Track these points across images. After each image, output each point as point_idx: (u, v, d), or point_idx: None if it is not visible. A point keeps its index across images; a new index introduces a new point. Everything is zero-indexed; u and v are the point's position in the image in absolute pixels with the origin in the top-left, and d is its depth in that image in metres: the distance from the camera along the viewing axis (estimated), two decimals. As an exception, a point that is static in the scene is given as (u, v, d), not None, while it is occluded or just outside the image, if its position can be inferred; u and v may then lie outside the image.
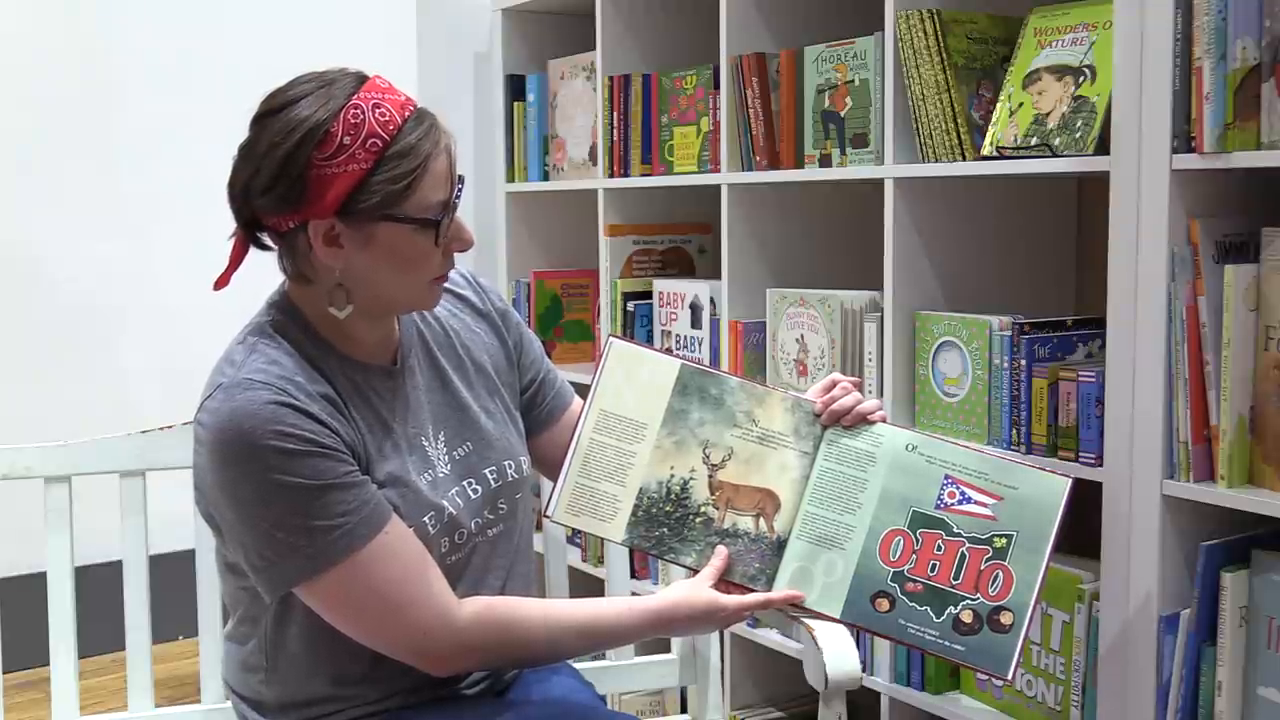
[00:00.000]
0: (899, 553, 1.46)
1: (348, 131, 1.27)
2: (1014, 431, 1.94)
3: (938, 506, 1.47)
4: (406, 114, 1.30)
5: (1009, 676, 1.44)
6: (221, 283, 1.38)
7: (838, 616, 1.46)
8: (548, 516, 1.52)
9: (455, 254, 1.40)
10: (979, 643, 1.43)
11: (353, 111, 1.27)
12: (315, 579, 1.30)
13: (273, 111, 1.30)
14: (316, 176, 1.27)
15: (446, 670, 1.39)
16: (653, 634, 1.44)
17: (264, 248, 1.37)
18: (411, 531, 1.35)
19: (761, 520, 1.49)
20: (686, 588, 1.44)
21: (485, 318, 1.56)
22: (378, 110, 1.28)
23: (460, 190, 1.36)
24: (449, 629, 1.34)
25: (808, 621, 1.47)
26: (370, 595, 1.31)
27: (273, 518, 1.28)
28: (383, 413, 1.39)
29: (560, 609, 1.43)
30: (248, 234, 1.35)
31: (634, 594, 1.60)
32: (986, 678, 2.04)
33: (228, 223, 1.38)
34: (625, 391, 1.51)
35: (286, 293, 1.40)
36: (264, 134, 1.29)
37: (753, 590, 1.47)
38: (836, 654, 1.45)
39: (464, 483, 1.43)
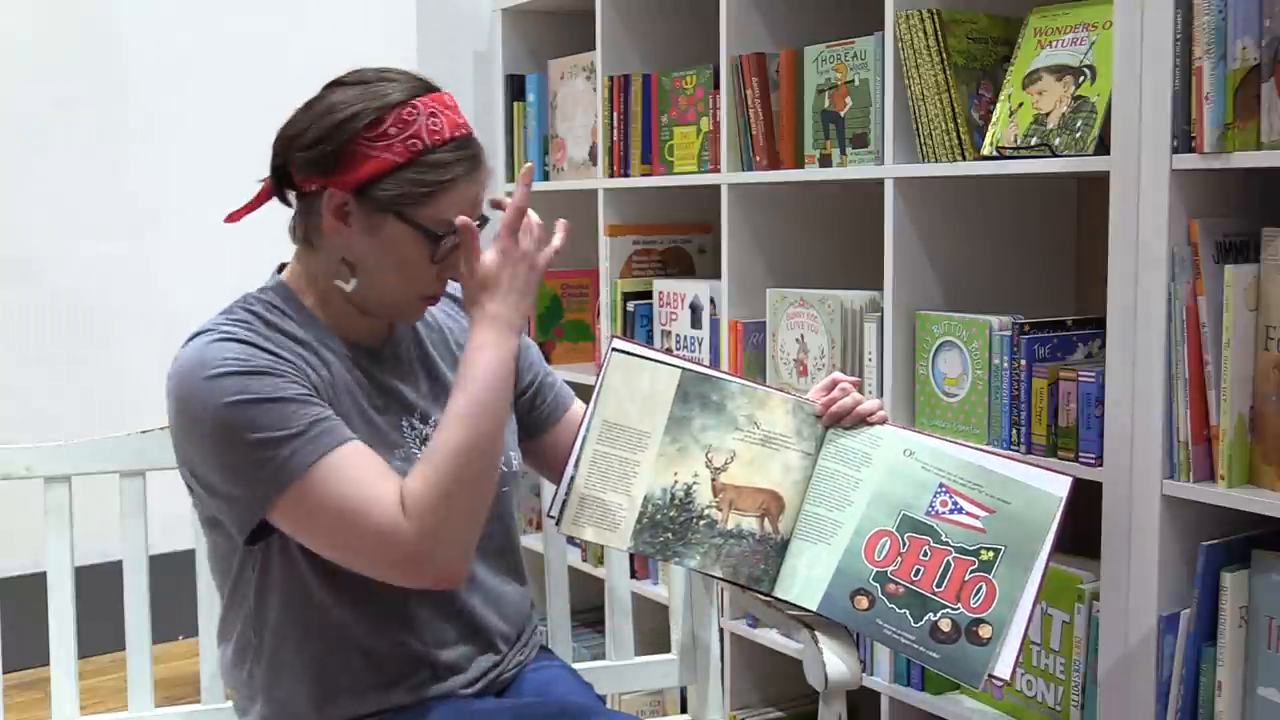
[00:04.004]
0: (884, 553, 1.46)
1: (397, 123, 1.34)
2: (1014, 431, 1.94)
3: (929, 513, 1.47)
4: (456, 134, 1.37)
5: (979, 686, 1.45)
6: (234, 217, 1.45)
7: (814, 609, 1.46)
8: (554, 525, 1.52)
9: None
10: (954, 652, 1.44)
11: (409, 109, 1.35)
12: (285, 493, 1.31)
13: (346, 83, 1.38)
14: (353, 151, 1.34)
15: (422, 563, 1.33)
16: (511, 355, 1.38)
17: (285, 202, 1.43)
18: (375, 453, 1.35)
19: (766, 521, 1.49)
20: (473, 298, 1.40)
21: None
22: (432, 119, 1.36)
23: (482, 225, 1.41)
24: (396, 517, 1.31)
25: (795, 615, 1.48)
26: (333, 500, 1.31)
27: (236, 438, 1.30)
28: (363, 382, 1.42)
29: (440, 430, 1.36)
30: (275, 184, 1.41)
31: (634, 594, 1.59)
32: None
33: (226, 222, 1.44)
34: (627, 401, 1.51)
35: (283, 279, 1.45)
36: (328, 98, 1.37)
37: (757, 591, 1.48)
38: (836, 654, 1.45)
39: None
